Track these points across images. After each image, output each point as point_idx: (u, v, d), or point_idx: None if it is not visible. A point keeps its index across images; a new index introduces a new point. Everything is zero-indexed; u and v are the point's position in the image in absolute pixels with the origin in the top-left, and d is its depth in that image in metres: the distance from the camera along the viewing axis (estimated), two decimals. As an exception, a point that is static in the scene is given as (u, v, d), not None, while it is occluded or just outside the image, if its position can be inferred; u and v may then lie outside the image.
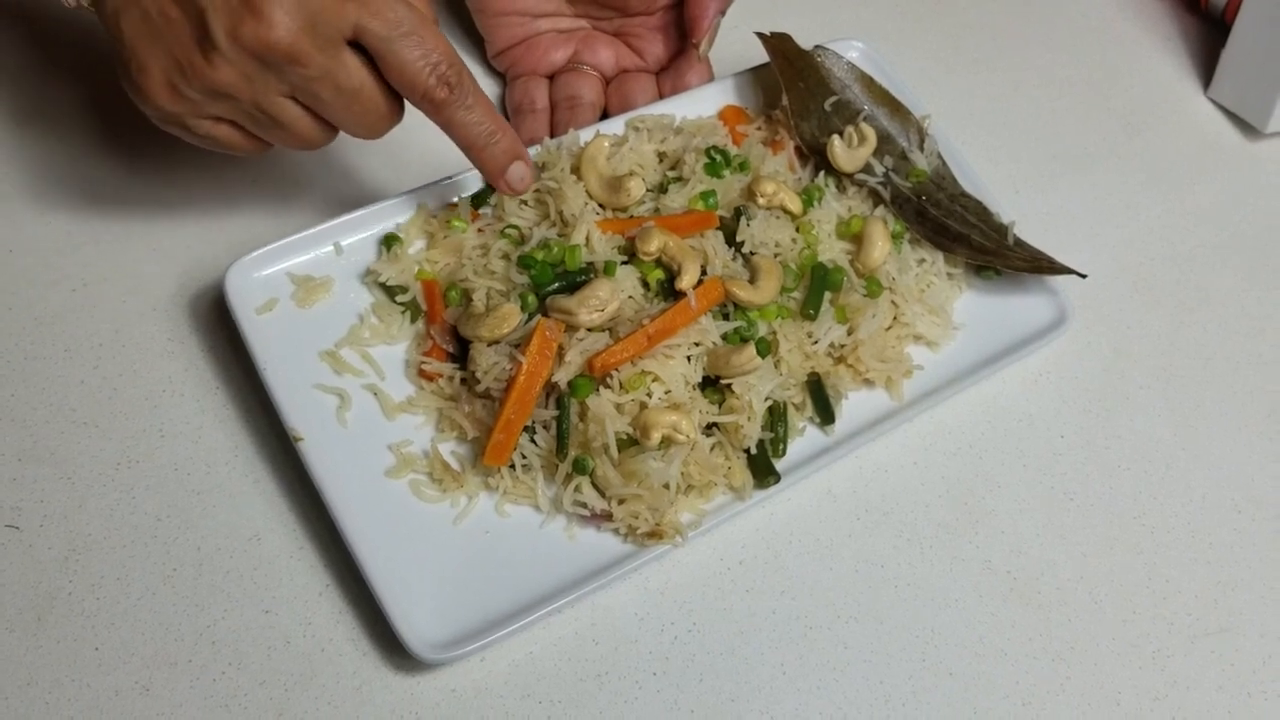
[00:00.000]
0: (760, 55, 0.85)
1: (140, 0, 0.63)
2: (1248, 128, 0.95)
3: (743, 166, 0.80)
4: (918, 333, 0.78)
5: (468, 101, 0.68)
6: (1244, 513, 0.76)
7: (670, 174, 0.80)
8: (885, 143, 0.83)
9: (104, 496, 0.70)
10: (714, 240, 0.75)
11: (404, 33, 0.64)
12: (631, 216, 0.77)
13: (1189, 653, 0.70)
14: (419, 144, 0.85)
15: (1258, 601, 0.72)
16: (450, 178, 0.78)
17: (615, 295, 0.71)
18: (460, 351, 0.73)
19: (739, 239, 0.75)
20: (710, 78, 0.87)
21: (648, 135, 0.82)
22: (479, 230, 0.77)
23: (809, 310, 0.74)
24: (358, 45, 0.65)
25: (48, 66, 0.87)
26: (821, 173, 0.81)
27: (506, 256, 0.74)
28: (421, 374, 0.73)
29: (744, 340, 0.72)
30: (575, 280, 0.72)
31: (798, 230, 0.77)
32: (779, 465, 0.71)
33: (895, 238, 0.79)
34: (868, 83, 0.85)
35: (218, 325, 0.76)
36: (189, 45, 0.62)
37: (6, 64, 0.86)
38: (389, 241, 0.76)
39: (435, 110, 0.67)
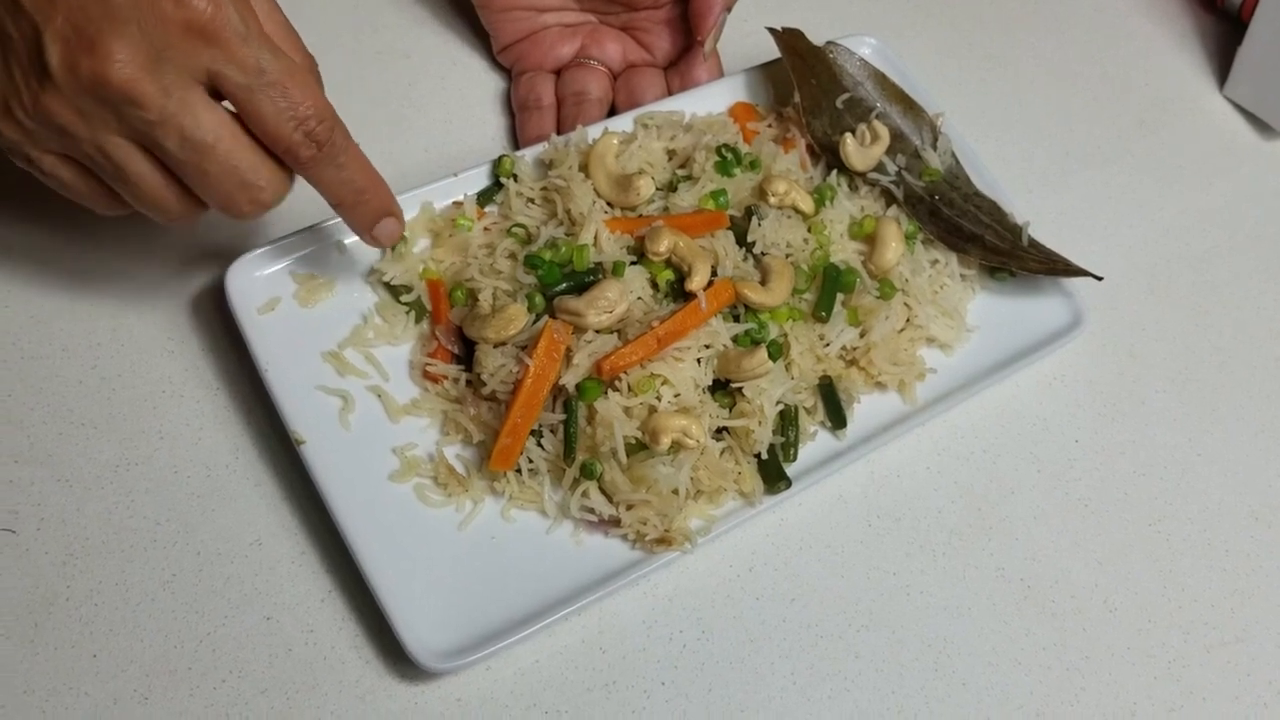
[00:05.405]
0: (771, 50, 0.84)
1: None
2: (1264, 126, 0.93)
3: (754, 165, 0.78)
4: (931, 335, 0.76)
5: (339, 160, 0.62)
6: (1261, 519, 0.75)
7: (680, 172, 0.78)
8: (898, 141, 0.81)
9: (102, 499, 0.68)
10: (725, 240, 0.74)
11: (266, 82, 0.57)
12: (641, 216, 0.76)
13: (1205, 663, 0.69)
14: (423, 140, 0.85)
15: (1276, 610, 0.71)
16: (455, 175, 0.77)
17: (624, 296, 0.69)
18: (466, 353, 0.72)
19: (750, 239, 0.74)
20: (720, 74, 0.85)
21: (657, 133, 0.80)
22: (485, 229, 0.76)
23: (821, 312, 0.73)
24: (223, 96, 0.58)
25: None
26: (834, 171, 0.80)
27: (513, 256, 0.73)
28: (426, 376, 0.72)
29: (755, 343, 0.70)
30: (583, 280, 0.71)
31: (810, 230, 0.76)
32: (790, 470, 0.70)
33: (908, 238, 0.77)
34: (880, 79, 0.84)
35: (218, 325, 0.75)
36: (25, 67, 0.56)
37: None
38: (393, 240, 0.75)
39: (301, 168, 0.61)
